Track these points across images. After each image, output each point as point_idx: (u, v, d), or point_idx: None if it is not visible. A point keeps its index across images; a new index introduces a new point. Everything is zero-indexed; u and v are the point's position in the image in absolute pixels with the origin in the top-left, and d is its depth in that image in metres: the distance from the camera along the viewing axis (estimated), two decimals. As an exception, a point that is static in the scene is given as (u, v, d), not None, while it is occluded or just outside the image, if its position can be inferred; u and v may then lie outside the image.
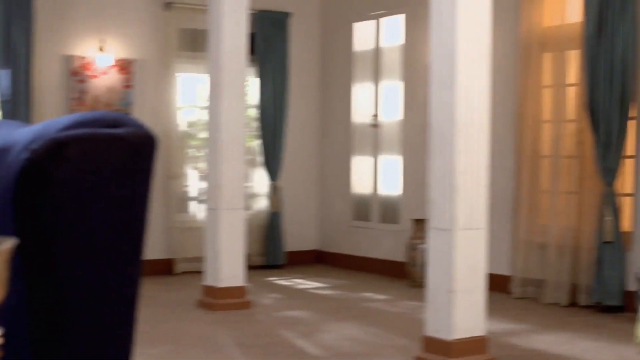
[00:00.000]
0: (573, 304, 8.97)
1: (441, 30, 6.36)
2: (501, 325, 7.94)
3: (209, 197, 9.07)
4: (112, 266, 1.97)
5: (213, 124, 9.00)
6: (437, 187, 6.37)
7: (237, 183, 8.94)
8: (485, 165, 6.40)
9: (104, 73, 10.92)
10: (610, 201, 8.56)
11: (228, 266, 8.85)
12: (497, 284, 9.51)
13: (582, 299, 8.85)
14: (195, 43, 11.62)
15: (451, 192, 6.24)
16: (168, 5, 11.35)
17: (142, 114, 10.88)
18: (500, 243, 9.61)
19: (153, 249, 11.09)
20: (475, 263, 6.37)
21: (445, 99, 6.32)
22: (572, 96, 9.12)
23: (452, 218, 6.24)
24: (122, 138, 2.00)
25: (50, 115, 10.59)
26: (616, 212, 8.53)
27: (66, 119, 1.94)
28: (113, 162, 1.98)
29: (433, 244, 6.44)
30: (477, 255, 6.38)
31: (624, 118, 8.46)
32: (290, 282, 10.96)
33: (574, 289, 8.99)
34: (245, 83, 9.10)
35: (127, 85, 11.08)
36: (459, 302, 6.28)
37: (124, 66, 11.05)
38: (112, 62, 10.93)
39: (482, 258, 6.41)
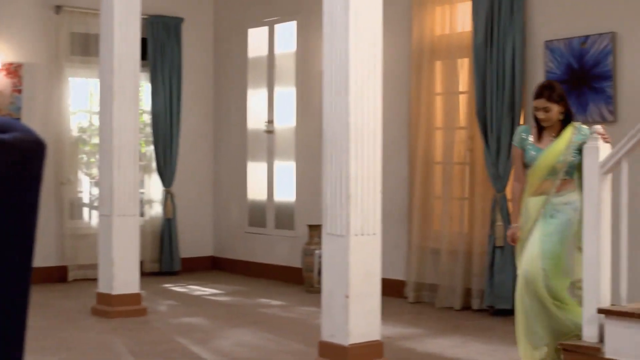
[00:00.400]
0: (466, 307, 9.12)
1: (334, 38, 6.39)
2: (396, 330, 8.02)
3: (102, 204, 8.95)
4: (0, 275, 1.93)
5: (105, 130, 8.89)
6: (331, 194, 6.40)
7: (131, 189, 8.85)
8: (378, 171, 6.45)
9: (-8, 77, 10.69)
10: (500, 207, 8.73)
11: (122, 273, 8.75)
12: (392, 289, 9.60)
13: (475, 303, 9.01)
14: (87, 47, 11.45)
15: (345, 199, 6.27)
16: (58, 9, 11.16)
17: (32, 119, 10.67)
18: (395, 249, 9.71)
19: (46, 256, 10.92)
20: (370, 268, 6.41)
21: (338, 105, 6.35)
22: (464, 104, 9.28)
23: (346, 224, 6.28)
24: (9, 144, 1.96)
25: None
26: (507, 217, 8.70)
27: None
28: (2, 167, 1.94)
29: (328, 249, 6.47)
30: (371, 260, 6.43)
31: (513, 125, 8.63)
32: (186, 288, 10.90)
33: (467, 293, 9.14)
34: (137, 88, 9.02)
35: (16, 90, 10.86)
36: (355, 307, 6.32)
37: (13, 70, 10.84)
38: (0, 66, 10.71)
39: (376, 263, 6.46)
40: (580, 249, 5.92)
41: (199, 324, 8.55)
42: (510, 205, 8.71)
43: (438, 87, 9.52)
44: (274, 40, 11.71)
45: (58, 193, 11.17)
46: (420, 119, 9.52)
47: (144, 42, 11.44)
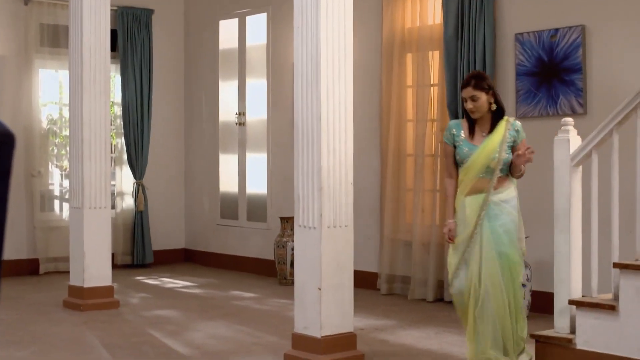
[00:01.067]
0: (439, 299, 9.16)
1: (305, 30, 6.39)
2: (369, 322, 8.05)
3: (73, 196, 8.92)
4: None
5: (75, 122, 8.85)
6: (303, 186, 6.41)
7: (102, 181, 8.82)
8: (350, 163, 6.46)
9: (-38, 69, 10.62)
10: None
11: (94, 266, 8.73)
12: (365, 281, 9.64)
13: (447, 295, 9.03)
14: (56, 39, 11.38)
15: (317, 191, 6.28)
16: (27, 0, 11.08)
17: (1, 111, 10.66)
18: (367, 241, 9.74)
19: (17, 249, 10.88)
20: (342, 260, 6.42)
21: (309, 98, 6.35)
22: (434, 96, 9.31)
23: (318, 216, 6.28)
24: None
25: None
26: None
27: None
28: None
29: (300, 242, 6.48)
30: (344, 252, 6.44)
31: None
32: (158, 281, 10.88)
33: (439, 285, 9.18)
34: (108, 80, 8.99)
35: (-14, 82, 10.79)
36: (327, 299, 6.33)
37: (-17, 62, 10.77)
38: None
39: (349, 256, 6.47)
40: (523, 251, 5.84)
41: (171, 316, 8.54)
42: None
43: (409, 80, 9.54)
44: (245, 32, 11.68)
45: (28, 185, 11.12)
46: (391, 111, 9.54)
47: (113, 33, 11.40)
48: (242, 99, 11.76)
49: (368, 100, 9.79)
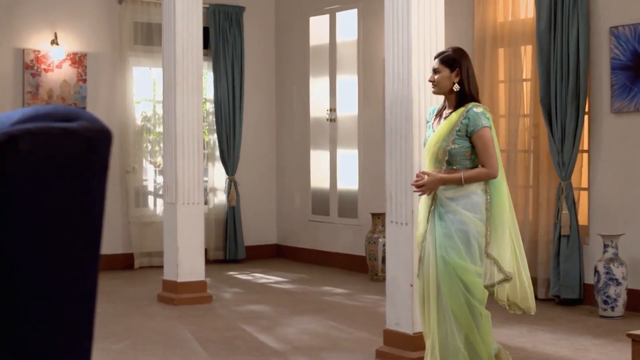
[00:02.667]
0: (531, 296, 9.03)
1: (395, 25, 6.37)
2: (459, 318, 7.98)
3: (167, 192, 9.05)
4: (67, 263, 1.95)
5: (168, 118, 8.98)
6: (394, 182, 6.39)
7: (195, 177, 8.93)
8: (442, 159, 6.41)
9: (58, 67, 10.85)
10: (566, 195, 8.64)
11: (187, 261, 8.84)
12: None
13: (541, 292, 8.91)
14: (150, 37, 11.56)
15: (408, 187, 6.24)
16: (121, -1, 11.30)
17: (96, 108, 10.82)
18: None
19: (112, 244, 11.07)
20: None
21: (401, 94, 6.33)
22: (527, 91, 9.19)
23: (410, 212, 6.26)
24: (76, 132, 1.97)
25: (3, 110, 10.50)
26: (572, 205, 8.61)
27: (19, 112, 1.93)
28: (67, 156, 1.96)
29: (391, 238, 6.46)
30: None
31: (578, 112, 8.53)
32: (250, 276, 10.97)
33: (532, 282, 9.03)
34: (200, 77, 9.10)
35: (81, 79, 11.01)
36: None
37: (78, 60, 10.99)
38: (64, 56, 10.85)
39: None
40: (489, 255, 5.07)
41: (263, 311, 8.61)
42: (573, 194, 8.64)
43: (501, 75, 9.44)
44: (335, 28, 11.70)
45: (123, 181, 11.31)
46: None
47: (205, 31, 11.51)
48: (332, 95, 11.77)
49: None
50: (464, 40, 9.73)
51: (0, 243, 1.76)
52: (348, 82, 11.59)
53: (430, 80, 5.41)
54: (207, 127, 12.14)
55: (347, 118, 11.62)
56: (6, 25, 10.64)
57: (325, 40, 11.87)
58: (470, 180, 5.10)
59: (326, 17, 11.82)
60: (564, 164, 8.62)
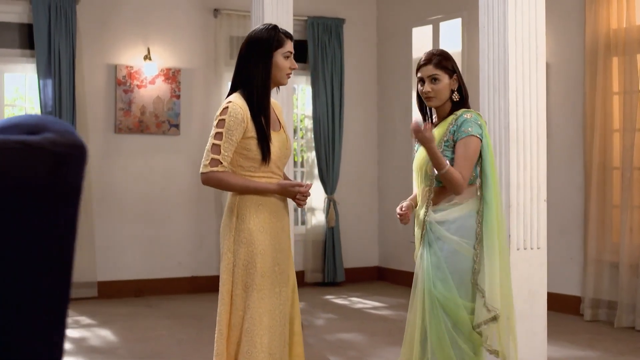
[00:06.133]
0: (649, 327, 8.32)
1: (491, 31, 5.85)
2: (569, 351, 7.37)
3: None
4: (32, 298, 1.61)
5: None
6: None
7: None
8: (543, 178, 5.83)
9: (151, 83, 10.56)
10: (687, 216, 7.91)
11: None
12: (567, 306, 8.93)
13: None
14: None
15: (506, 209, 5.67)
16: (216, 12, 10.94)
17: (190, 125, 10.70)
18: (569, 262, 9.01)
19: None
20: (534, 287, 5.80)
21: (497, 106, 5.81)
22: (645, 103, 8.47)
23: (506, 237, 5.67)
24: (38, 146, 1.58)
25: (95, 127, 10.31)
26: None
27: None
28: (30, 176, 1.56)
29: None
30: (536, 277, 5.81)
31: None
32: (348, 300, 10.46)
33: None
34: (291, 92, 8.68)
35: (175, 95, 10.70)
36: (517, 328, 5.69)
37: (172, 75, 10.69)
38: (157, 71, 10.56)
39: (542, 281, 5.84)
40: (480, 290, 4.44)
41: (355, 340, 8.11)
42: None
43: (615, 86, 8.72)
44: (438, 39, 11.14)
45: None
46: (596, 121, 8.74)
47: (304, 44, 11.17)
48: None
49: (570, 108, 9.07)
50: (574, 48, 9.11)
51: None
52: (453, 96, 11.00)
53: (425, 91, 4.64)
54: (304, 144, 11.73)
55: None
56: (99, 40, 10.41)
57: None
58: (448, 177, 4.39)
59: (429, 27, 11.28)
60: (685, 183, 7.88)
